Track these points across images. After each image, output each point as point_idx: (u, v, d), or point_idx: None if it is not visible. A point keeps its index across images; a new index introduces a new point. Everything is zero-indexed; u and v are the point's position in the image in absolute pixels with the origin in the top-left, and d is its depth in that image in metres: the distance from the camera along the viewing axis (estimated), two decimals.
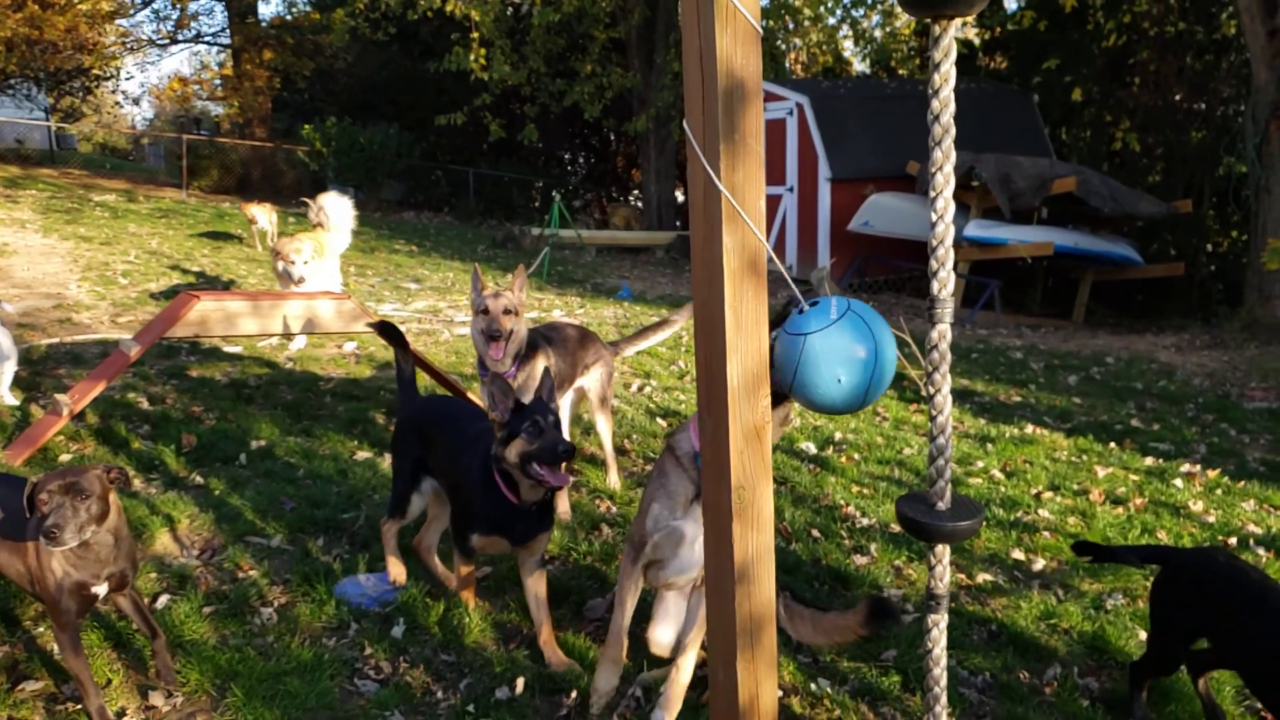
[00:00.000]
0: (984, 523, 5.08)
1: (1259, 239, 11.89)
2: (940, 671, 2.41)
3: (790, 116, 16.63)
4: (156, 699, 3.15)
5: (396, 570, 4.00)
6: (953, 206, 1.84)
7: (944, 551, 2.32)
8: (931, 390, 2.19)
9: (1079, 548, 3.65)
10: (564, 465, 3.32)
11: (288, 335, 7.24)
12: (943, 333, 2.16)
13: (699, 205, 2.35)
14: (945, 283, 2.13)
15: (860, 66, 26.24)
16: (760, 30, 2.26)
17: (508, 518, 3.44)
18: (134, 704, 3.14)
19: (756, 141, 2.30)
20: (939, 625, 2.34)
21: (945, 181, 1.84)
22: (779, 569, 2.60)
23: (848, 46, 25.54)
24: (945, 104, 1.79)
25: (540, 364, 4.78)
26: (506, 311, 4.57)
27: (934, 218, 1.98)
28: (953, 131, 1.80)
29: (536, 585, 3.53)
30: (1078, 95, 17.95)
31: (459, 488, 3.67)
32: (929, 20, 1.79)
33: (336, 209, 9.20)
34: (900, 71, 23.78)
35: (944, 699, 2.43)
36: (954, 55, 1.74)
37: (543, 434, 3.29)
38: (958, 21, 1.85)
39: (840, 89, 18.46)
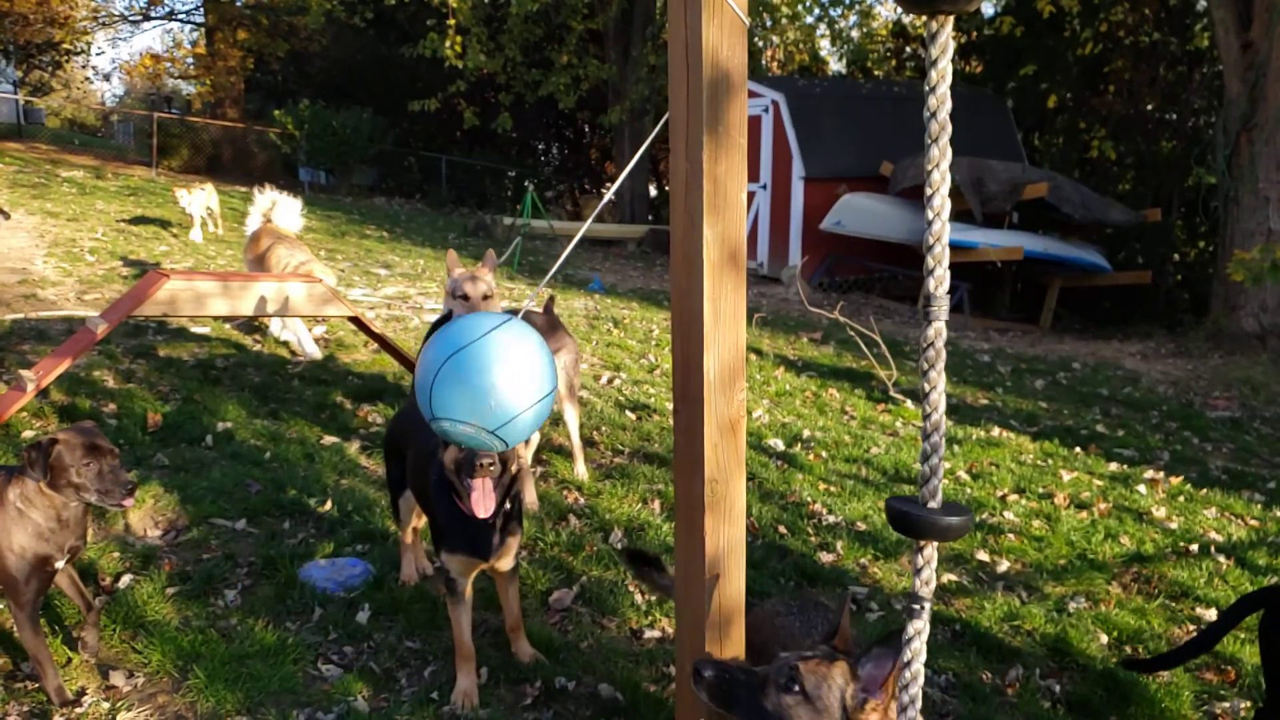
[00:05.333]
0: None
1: (1226, 249, 12.02)
2: (918, 686, 1.99)
3: (766, 114, 16.64)
4: (117, 679, 3.11)
5: (408, 571, 3.98)
6: (948, 205, 1.78)
7: (932, 551, 1.92)
8: (927, 388, 1.90)
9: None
10: (491, 484, 2.93)
11: (253, 321, 7.16)
12: (939, 330, 1.88)
13: (680, 197, 2.34)
14: (941, 280, 1.83)
15: (836, 66, 26.36)
16: (747, 23, 2.26)
17: (470, 531, 3.11)
18: (94, 683, 3.10)
19: (740, 134, 2.29)
20: (920, 635, 1.93)
21: (942, 179, 1.77)
22: (745, 564, 2.58)
23: (824, 46, 25.68)
24: (942, 101, 1.74)
25: None
26: (485, 297, 4.53)
27: (930, 215, 1.81)
28: (949, 129, 1.74)
29: (510, 582, 3.42)
30: (1052, 102, 18.12)
31: (424, 501, 3.45)
32: (925, 17, 1.76)
33: (288, 214, 8.71)
34: (876, 72, 23.89)
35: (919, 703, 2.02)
36: (950, 52, 1.70)
37: None
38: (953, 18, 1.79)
39: (816, 88, 18.49)
